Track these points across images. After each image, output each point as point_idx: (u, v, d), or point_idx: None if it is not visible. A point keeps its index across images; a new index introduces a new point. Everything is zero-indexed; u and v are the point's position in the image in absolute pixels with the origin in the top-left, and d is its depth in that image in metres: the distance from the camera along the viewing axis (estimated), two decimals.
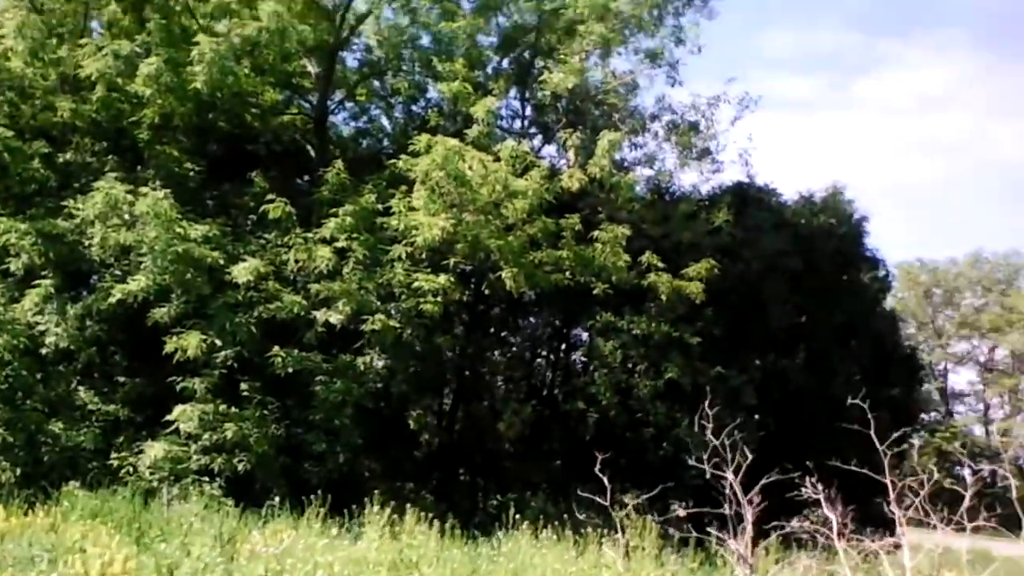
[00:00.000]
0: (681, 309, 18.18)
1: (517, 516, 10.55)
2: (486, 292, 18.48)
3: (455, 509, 12.69)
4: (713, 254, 18.52)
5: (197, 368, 13.56)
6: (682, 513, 12.62)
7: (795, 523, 7.82)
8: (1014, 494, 7.35)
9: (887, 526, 12.16)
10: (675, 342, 18.16)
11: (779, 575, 10.14)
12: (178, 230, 13.78)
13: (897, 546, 7.14)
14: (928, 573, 7.41)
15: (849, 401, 7.61)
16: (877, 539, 7.67)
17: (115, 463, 13.19)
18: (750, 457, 7.13)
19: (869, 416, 6.85)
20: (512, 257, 15.95)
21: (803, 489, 7.03)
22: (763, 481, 6.98)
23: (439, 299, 14.99)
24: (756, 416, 18.60)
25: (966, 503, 6.87)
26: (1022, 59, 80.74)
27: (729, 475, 6.83)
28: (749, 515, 6.54)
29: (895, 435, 7.00)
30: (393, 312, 14.94)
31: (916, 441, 37.47)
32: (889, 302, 31.67)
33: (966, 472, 29.64)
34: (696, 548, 11.29)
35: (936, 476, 7.18)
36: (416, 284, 14.90)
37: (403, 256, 15.07)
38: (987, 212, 74.55)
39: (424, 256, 15.35)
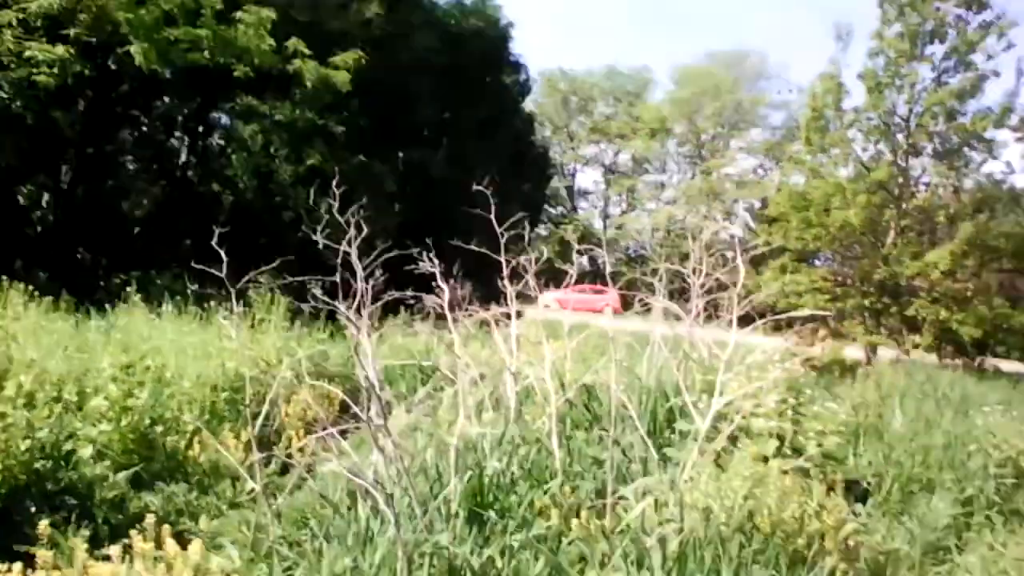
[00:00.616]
0: (327, 98, 18.11)
1: (139, 293, 10.40)
2: (114, 68, 16.94)
3: (72, 287, 12.10)
4: (363, 46, 18.49)
5: None
6: (317, 291, 13.21)
7: (420, 295, 8.54)
8: (607, 271, 8.76)
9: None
10: (319, 130, 18.18)
11: (391, 339, 11.30)
12: None
13: (508, 316, 8.25)
14: (535, 340, 8.75)
15: (475, 188, 8.34)
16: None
17: None
18: (383, 238, 7.61)
19: (493, 204, 7.65)
20: (143, 32, 14.96)
21: (427, 266, 7.77)
22: (386, 256, 7.52)
23: (55, 71, 13.77)
24: (397, 205, 19.55)
25: (570, 280, 8.21)
26: None
27: (352, 251, 7.24)
28: (367, 288, 7.05)
29: (513, 219, 7.93)
30: (1, 83, 13.48)
31: (543, 231, 41.95)
32: (529, 105, 33.96)
33: (584, 260, 33.84)
34: (327, 321, 12.05)
35: (546, 256, 8.40)
36: (29, 54, 13.56)
37: (14, 23, 13.68)
38: (624, 29, 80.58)
39: (40, 24, 14.01)
